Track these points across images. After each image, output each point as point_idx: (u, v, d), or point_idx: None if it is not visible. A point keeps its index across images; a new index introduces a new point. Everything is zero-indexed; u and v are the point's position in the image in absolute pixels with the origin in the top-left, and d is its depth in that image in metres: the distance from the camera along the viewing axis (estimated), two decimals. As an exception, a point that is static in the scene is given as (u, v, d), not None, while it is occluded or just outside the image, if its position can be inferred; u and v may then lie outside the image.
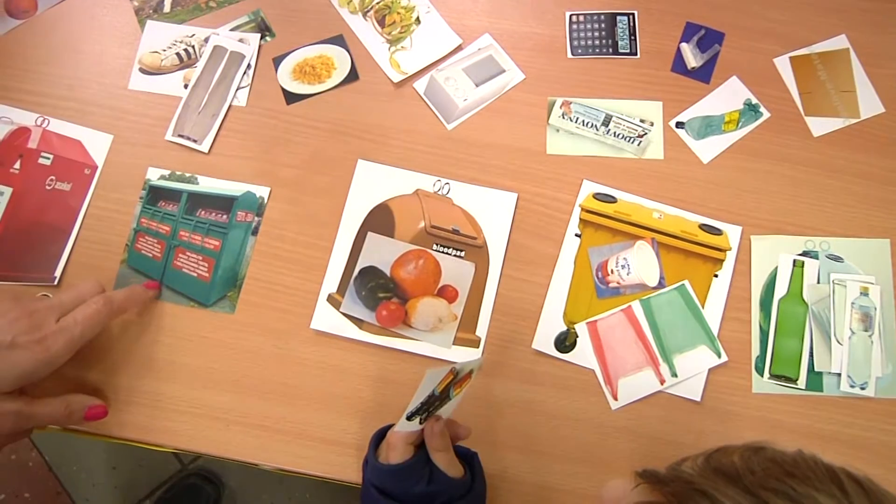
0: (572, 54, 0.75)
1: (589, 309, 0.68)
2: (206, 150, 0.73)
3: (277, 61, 0.76)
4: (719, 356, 0.67)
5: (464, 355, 0.67)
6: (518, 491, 0.65)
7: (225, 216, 0.71)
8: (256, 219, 0.71)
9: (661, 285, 0.68)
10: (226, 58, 0.75)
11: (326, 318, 0.68)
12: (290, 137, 0.73)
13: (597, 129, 0.72)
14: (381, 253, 0.70)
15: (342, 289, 0.69)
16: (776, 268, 0.69)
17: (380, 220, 0.71)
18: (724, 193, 0.71)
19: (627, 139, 0.72)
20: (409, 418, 0.54)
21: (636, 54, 0.75)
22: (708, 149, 0.72)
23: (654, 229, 0.69)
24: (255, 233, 0.71)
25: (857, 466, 0.39)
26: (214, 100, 0.74)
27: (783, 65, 0.74)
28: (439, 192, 0.71)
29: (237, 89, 0.75)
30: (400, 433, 0.56)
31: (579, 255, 0.69)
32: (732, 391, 0.66)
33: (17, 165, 0.72)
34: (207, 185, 0.72)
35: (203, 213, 0.71)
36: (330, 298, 0.69)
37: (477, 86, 0.74)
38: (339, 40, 0.76)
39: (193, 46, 0.76)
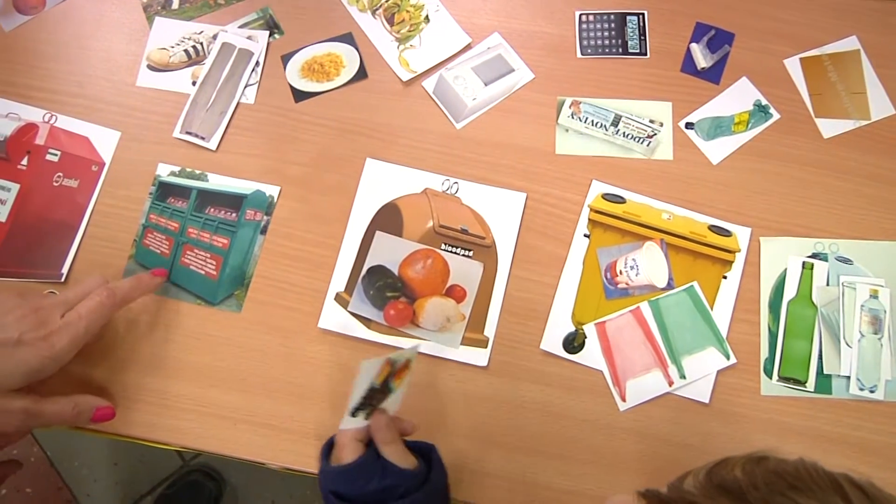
0: (582, 54, 0.75)
1: (597, 310, 0.68)
2: (214, 148, 0.73)
3: (286, 59, 0.75)
4: (728, 358, 0.66)
5: (472, 355, 0.67)
6: (524, 491, 0.65)
7: (234, 214, 0.71)
8: (266, 218, 0.71)
9: (669, 286, 0.68)
10: (234, 55, 0.75)
11: (334, 317, 0.68)
12: (298, 135, 0.73)
13: (606, 130, 0.72)
14: (390, 252, 0.69)
15: (350, 288, 0.69)
16: (785, 270, 0.68)
17: (388, 219, 0.70)
18: (733, 195, 0.71)
19: (637, 139, 0.72)
20: (353, 415, 0.54)
21: (646, 54, 0.75)
22: (717, 150, 0.72)
23: (663, 230, 0.69)
24: (263, 231, 0.71)
25: (866, 470, 0.39)
26: (222, 97, 0.74)
27: (793, 66, 0.74)
28: (448, 192, 0.71)
29: (245, 87, 0.74)
30: (347, 431, 0.56)
31: (588, 256, 0.69)
32: (741, 393, 0.66)
33: (24, 162, 0.71)
34: (217, 182, 0.72)
35: (212, 210, 0.71)
36: (338, 297, 0.69)
37: (486, 85, 0.74)
38: (347, 38, 0.76)
39: (202, 43, 0.76)
